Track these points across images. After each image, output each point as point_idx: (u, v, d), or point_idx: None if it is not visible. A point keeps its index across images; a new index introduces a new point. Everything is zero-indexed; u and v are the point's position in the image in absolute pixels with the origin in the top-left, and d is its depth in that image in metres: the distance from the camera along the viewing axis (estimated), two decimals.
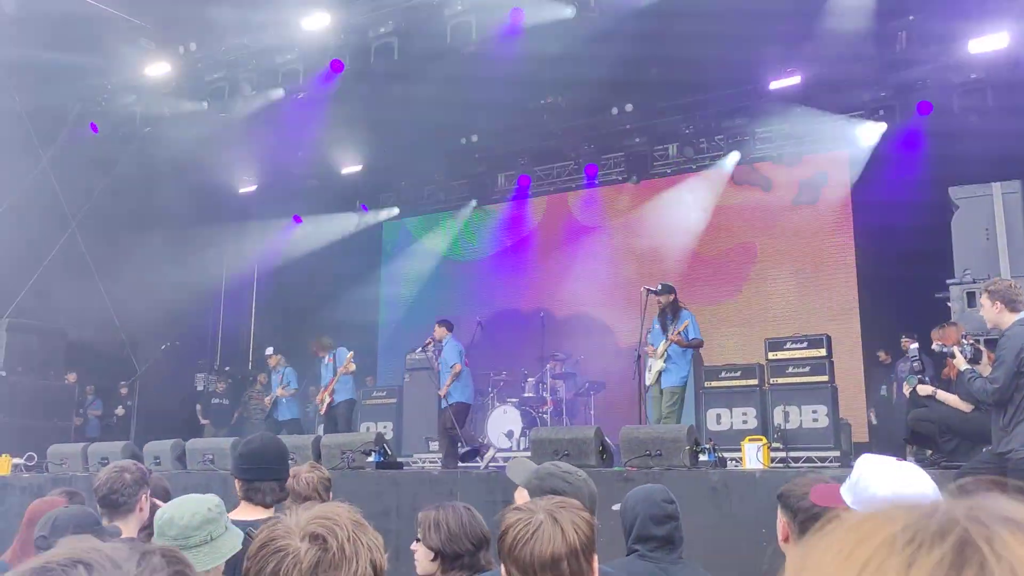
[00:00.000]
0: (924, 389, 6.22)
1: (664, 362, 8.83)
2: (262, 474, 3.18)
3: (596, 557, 1.92)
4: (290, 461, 3.48)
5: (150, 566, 0.63)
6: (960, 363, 5.03)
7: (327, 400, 10.66)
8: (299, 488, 3.87)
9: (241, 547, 2.42)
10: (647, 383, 8.88)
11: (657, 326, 9.14)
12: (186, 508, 2.52)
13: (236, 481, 3.28)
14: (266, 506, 3.19)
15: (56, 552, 0.63)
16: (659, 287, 9.19)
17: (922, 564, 0.49)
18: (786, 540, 2.41)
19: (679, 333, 8.80)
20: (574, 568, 1.84)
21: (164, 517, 2.47)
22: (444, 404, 9.88)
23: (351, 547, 1.42)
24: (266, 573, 1.40)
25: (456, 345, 10.13)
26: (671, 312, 9.01)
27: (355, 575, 1.40)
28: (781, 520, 2.43)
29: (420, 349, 10.70)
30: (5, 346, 11.62)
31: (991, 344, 5.19)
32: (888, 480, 2.01)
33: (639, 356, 8.78)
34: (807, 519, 2.31)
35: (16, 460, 9.87)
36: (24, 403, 11.51)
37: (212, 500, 2.63)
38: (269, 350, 12.38)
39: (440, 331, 10.14)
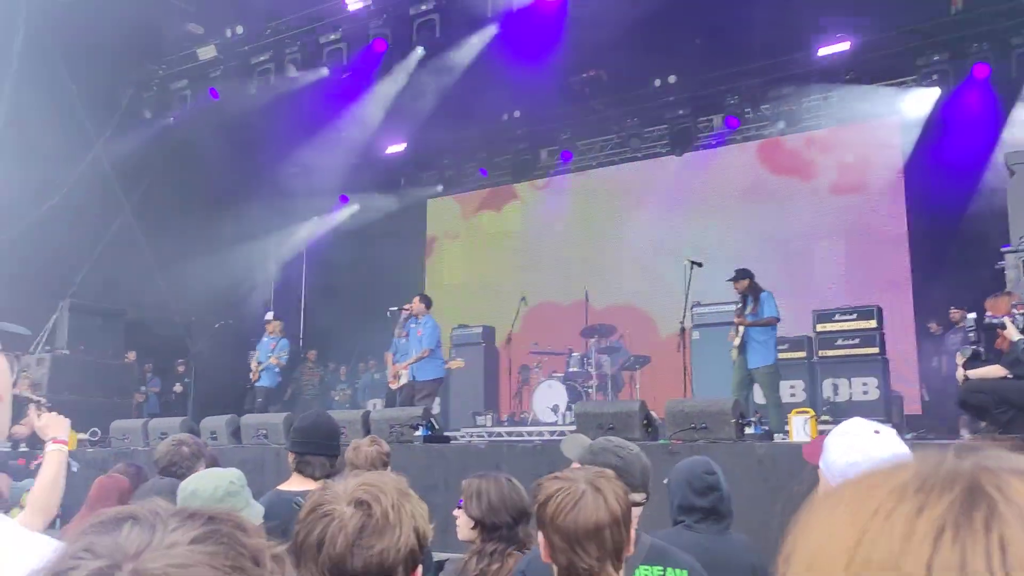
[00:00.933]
0: (960, 373, 6.07)
1: (739, 345, 8.48)
2: (313, 448, 3.29)
3: (633, 527, 1.96)
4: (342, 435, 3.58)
5: (192, 523, 0.67)
6: (1012, 333, 4.93)
7: (402, 376, 9.94)
8: (358, 461, 3.96)
9: (289, 515, 2.52)
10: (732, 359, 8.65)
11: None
12: (209, 481, 2.60)
13: (289, 454, 3.40)
14: (315, 479, 3.29)
15: (114, 510, 0.69)
16: (733, 274, 8.76)
17: (932, 509, 0.50)
18: None
19: (747, 315, 8.47)
20: (615, 536, 1.87)
21: (188, 489, 2.54)
22: (409, 379, 9.65)
23: (395, 514, 1.47)
24: (313, 536, 1.46)
25: (436, 326, 9.86)
26: (751, 294, 8.56)
27: (398, 541, 1.45)
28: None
29: (399, 312, 9.91)
30: (67, 326, 12.00)
31: None
32: (844, 447, 2.01)
33: (683, 329, 8.73)
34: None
35: (81, 435, 10.24)
36: (86, 381, 11.88)
37: (234, 473, 2.73)
38: (269, 315, 12.17)
39: (419, 306, 9.74)
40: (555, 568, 1.93)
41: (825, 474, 1.99)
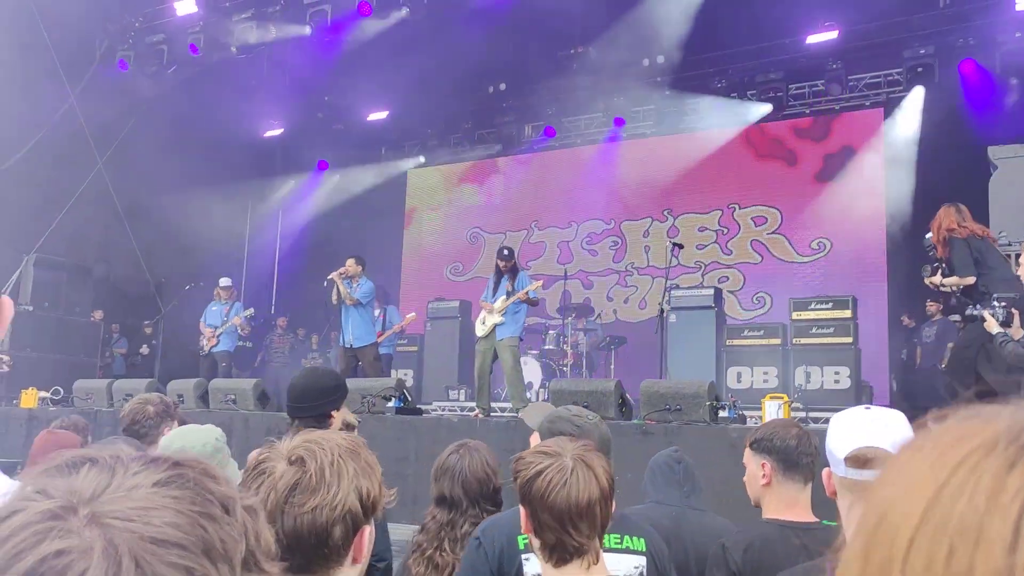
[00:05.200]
0: (937, 279, 6.16)
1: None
2: (294, 412, 3.18)
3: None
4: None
5: (155, 466, 0.61)
6: (992, 326, 4.92)
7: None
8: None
9: None
10: None
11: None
12: (196, 438, 2.54)
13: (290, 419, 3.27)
14: None
15: (71, 452, 0.63)
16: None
17: None
18: (768, 484, 2.49)
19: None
20: (604, 512, 1.83)
21: (174, 446, 2.47)
22: (347, 345, 9.34)
23: (332, 471, 1.39)
24: (250, 492, 1.39)
25: (372, 288, 9.64)
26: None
27: (333, 499, 1.37)
28: (762, 464, 2.49)
29: (340, 276, 9.36)
30: (32, 281, 11.75)
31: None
32: (866, 424, 1.95)
33: (662, 311, 8.70)
34: (787, 459, 2.45)
35: (43, 394, 10.05)
36: (50, 338, 11.66)
37: (216, 431, 2.68)
38: (226, 281, 11.71)
39: (355, 268, 9.41)
40: (536, 543, 1.86)
41: (837, 473, 1.92)
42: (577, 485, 1.80)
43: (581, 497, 1.79)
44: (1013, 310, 4.91)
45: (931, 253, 6.38)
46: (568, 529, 1.79)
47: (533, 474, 1.84)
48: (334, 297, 9.33)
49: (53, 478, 0.59)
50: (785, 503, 2.48)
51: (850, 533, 0.50)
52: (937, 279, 6.19)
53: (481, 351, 8.51)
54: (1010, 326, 4.91)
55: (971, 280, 5.89)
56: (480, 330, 8.55)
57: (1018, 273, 5.14)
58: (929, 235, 6.36)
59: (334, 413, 3.22)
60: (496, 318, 8.37)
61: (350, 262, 9.41)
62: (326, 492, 1.38)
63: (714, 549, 2.50)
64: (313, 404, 3.18)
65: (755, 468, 2.53)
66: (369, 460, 1.47)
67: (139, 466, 0.61)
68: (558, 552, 1.82)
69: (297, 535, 1.36)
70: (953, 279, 6.04)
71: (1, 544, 0.53)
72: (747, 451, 2.60)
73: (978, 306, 5.10)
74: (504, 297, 8.43)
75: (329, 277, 9.36)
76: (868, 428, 1.87)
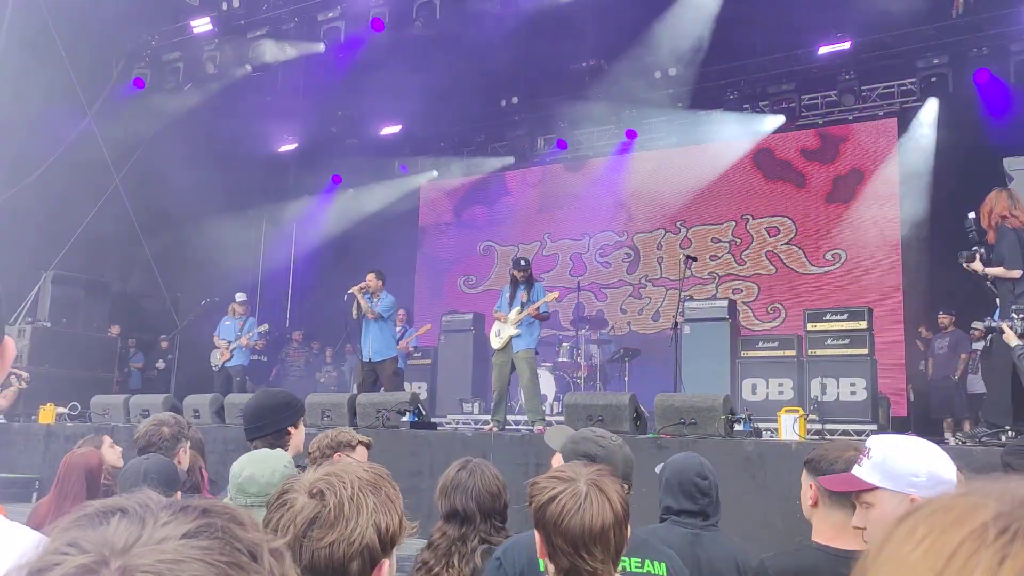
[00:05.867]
0: (977, 267, 5.86)
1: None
2: (250, 433, 3.19)
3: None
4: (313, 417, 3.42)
5: (184, 516, 0.62)
6: (1010, 338, 4.87)
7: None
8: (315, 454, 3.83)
9: None
10: None
11: None
12: (266, 466, 2.49)
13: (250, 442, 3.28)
14: None
15: (100, 502, 0.65)
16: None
17: (1017, 559, 0.45)
18: (815, 505, 2.42)
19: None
20: (618, 537, 1.82)
21: (244, 475, 2.44)
22: (366, 359, 9.40)
23: (351, 506, 1.40)
24: (270, 526, 1.41)
25: (394, 301, 9.72)
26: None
27: (351, 534, 1.38)
28: (810, 485, 2.42)
29: (360, 291, 9.41)
30: (50, 297, 11.85)
31: None
32: (919, 455, 1.97)
33: (675, 323, 8.68)
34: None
35: (60, 409, 10.12)
36: (68, 354, 11.75)
37: (286, 457, 2.64)
38: (241, 296, 11.76)
39: (376, 283, 9.45)
40: (551, 567, 1.86)
41: (890, 487, 1.94)
42: (591, 510, 1.80)
43: (595, 522, 1.79)
44: None
45: (970, 236, 6.05)
46: (582, 554, 1.79)
47: (547, 499, 1.84)
48: (354, 311, 9.38)
49: (84, 530, 0.61)
50: (835, 529, 2.44)
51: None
52: (978, 266, 5.84)
53: (498, 364, 8.49)
54: None
55: (1018, 273, 5.59)
56: (496, 342, 8.53)
57: None
58: (972, 215, 6.04)
59: (291, 429, 3.24)
60: (512, 330, 8.37)
61: (371, 276, 9.43)
62: (344, 527, 1.38)
63: (756, 567, 2.47)
64: (268, 422, 3.19)
65: (806, 488, 2.50)
66: (390, 494, 1.47)
67: (168, 515, 0.62)
68: None
69: (314, 569, 1.37)
70: (998, 269, 5.72)
71: None
72: (804, 470, 2.57)
73: (996, 318, 5.04)
74: (518, 309, 8.43)
75: (349, 291, 9.41)
76: (936, 452, 1.93)
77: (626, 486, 2.30)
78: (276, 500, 1.45)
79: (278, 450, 2.68)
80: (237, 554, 0.61)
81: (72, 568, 0.57)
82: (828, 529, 2.42)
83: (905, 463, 1.94)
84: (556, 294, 9.16)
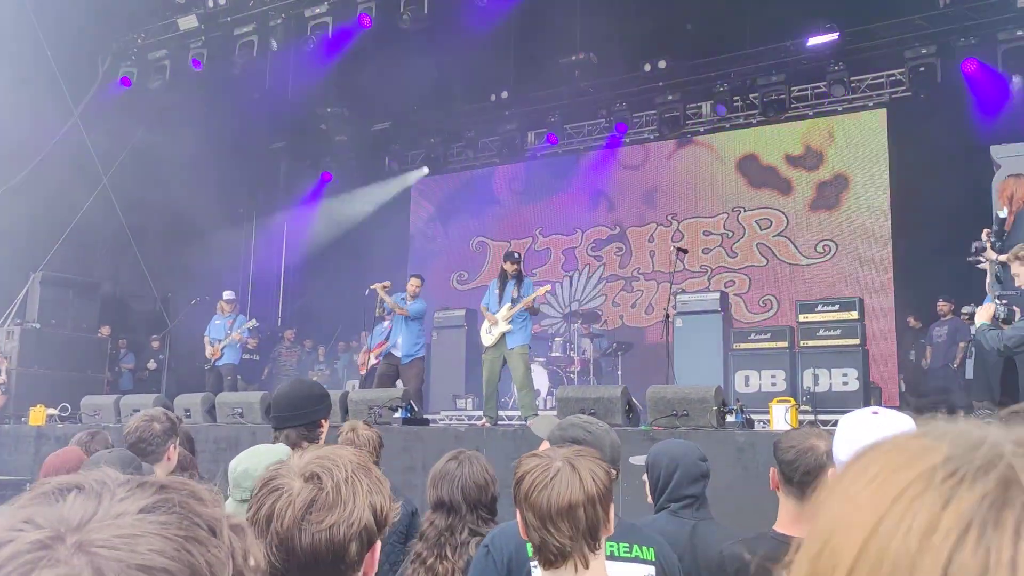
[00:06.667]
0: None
1: None
2: (282, 422, 3.12)
3: (612, 506, 1.90)
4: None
5: (141, 492, 0.61)
6: (979, 318, 4.88)
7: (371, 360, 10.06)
8: (358, 442, 3.84)
9: None
10: None
11: None
12: (262, 460, 2.47)
13: (272, 432, 3.24)
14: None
15: (57, 479, 0.64)
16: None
17: (960, 502, 0.45)
18: (777, 490, 2.54)
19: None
20: (590, 516, 1.82)
21: (239, 469, 2.42)
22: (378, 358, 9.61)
23: (348, 488, 1.41)
24: (263, 511, 1.40)
25: (425, 305, 9.82)
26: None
27: (350, 515, 1.39)
28: (771, 469, 2.57)
29: (382, 288, 9.58)
30: (39, 298, 11.79)
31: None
32: (872, 429, 1.99)
33: (667, 316, 8.68)
34: (789, 471, 2.47)
35: (50, 411, 10.07)
36: (58, 355, 11.69)
37: (285, 451, 2.59)
38: (230, 294, 11.73)
39: (416, 287, 9.58)
40: (531, 546, 1.88)
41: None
42: (559, 486, 1.81)
43: (562, 498, 1.80)
44: (1015, 308, 4.86)
45: (977, 262, 5.99)
46: (549, 529, 1.80)
47: (521, 475, 1.87)
48: (379, 309, 9.55)
49: (40, 507, 0.60)
50: (790, 516, 2.46)
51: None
52: (991, 254, 5.74)
53: (489, 360, 8.49)
54: (1010, 323, 4.86)
55: None
56: (487, 339, 8.53)
57: (1018, 284, 4.99)
58: (977, 244, 5.94)
59: (323, 422, 3.21)
60: (504, 326, 8.36)
61: (415, 281, 9.57)
62: (342, 509, 1.39)
63: (715, 555, 2.49)
64: (305, 412, 3.14)
65: (771, 473, 2.57)
66: (379, 475, 1.49)
67: (125, 491, 0.61)
68: (543, 553, 1.84)
69: (315, 552, 1.37)
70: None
71: None
72: None
73: (976, 305, 5.05)
74: (509, 304, 8.42)
75: (371, 287, 9.46)
76: (875, 433, 1.87)
77: (614, 471, 2.30)
78: (264, 487, 1.44)
79: (279, 444, 2.66)
80: (196, 529, 0.60)
81: (26, 544, 0.56)
82: (785, 516, 2.46)
83: (855, 436, 1.94)
84: (547, 288, 9.15)
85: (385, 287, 9.49)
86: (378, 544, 1.45)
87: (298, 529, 1.37)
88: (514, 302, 8.39)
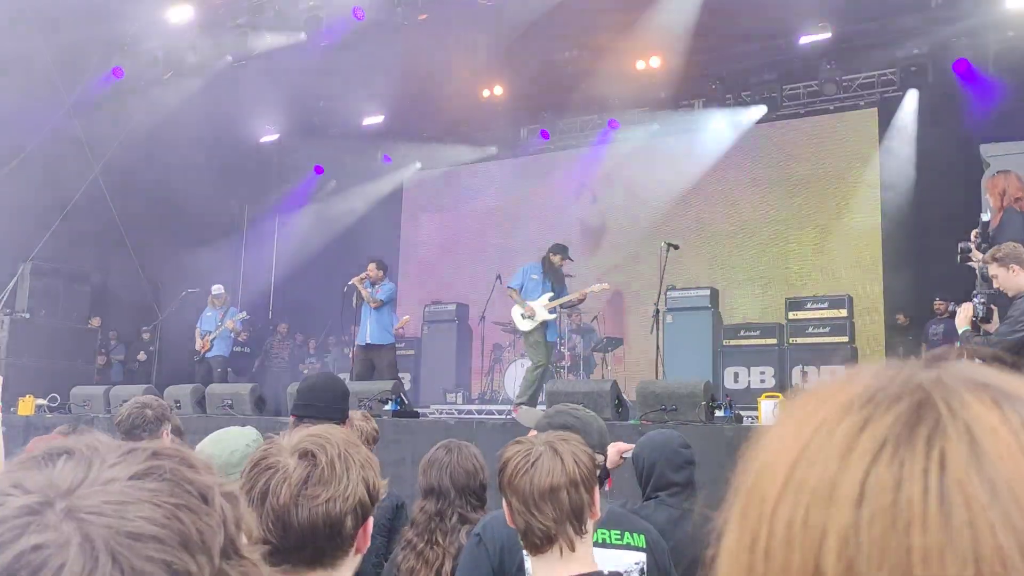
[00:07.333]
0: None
1: None
2: (312, 412, 3.08)
3: (597, 490, 1.92)
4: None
5: (132, 458, 0.61)
6: (961, 322, 4.89)
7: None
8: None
9: None
10: None
11: None
12: (225, 445, 2.47)
13: (291, 417, 3.24)
14: None
15: (47, 445, 0.63)
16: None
17: (876, 424, 0.47)
18: None
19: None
20: (573, 499, 1.83)
21: (203, 455, 2.41)
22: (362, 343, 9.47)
23: (341, 463, 1.43)
24: (257, 489, 1.42)
25: (394, 288, 9.89)
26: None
27: (345, 490, 1.42)
28: None
29: (360, 281, 9.52)
30: (28, 289, 11.74)
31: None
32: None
33: (657, 312, 8.72)
34: None
35: (40, 401, 10.05)
36: (48, 346, 11.66)
37: (251, 434, 2.58)
38: (218, 288, 11.71)
39: (376, 271, 9.53)
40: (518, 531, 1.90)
41: None
42: (541, 469, 1.83)
43: (543, 481, 1.82)
44: (992, 306, 4.89)
45: (965, 261, 5.92)
46: (532, 512, 1.82)
47: (504, 461, 1.90)
48: (355, 301, 9.44)
49: (30, 471, 0.59)
50: None
51: None
52: (978, 255, 5.67)
53: (532, 343, 8.67)
54: (989, 322, 4.88)
55: None
56: (526, 324, 8.64)
57: (996, 286, 4.97)
58: (963, 245, 5.87)
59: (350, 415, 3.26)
60: (546, 315, 8.58)
61: (371, 266, 9.51)
62: (337, 484, 1.42)
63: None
64: (337, 407, 3.18)
65: None
66: (368, 452, 1.52)
67: (116, 457, 0.60)
68: (529, 538, 1.85)
69: (312, 527, 1.40)
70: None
71: None
72: None
73: (956, 304, 5.05)
74: (551, 295, 8.63)
75: (350, 283, 9.46)
76: None
77: (600, 456, 2.33)
78: (255, 466, 1.46)
79: (248, 428, 2.65)
80: (187, 496, 0.59)
81: (15, 509, 0.55)
82: None
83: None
84: (606, 286, 9.39)
85: (364, 278, 9.46)
86: (371, 520, 1.47)
87: (295, 504, 1.39)
88: (557, 294, 8.55)
